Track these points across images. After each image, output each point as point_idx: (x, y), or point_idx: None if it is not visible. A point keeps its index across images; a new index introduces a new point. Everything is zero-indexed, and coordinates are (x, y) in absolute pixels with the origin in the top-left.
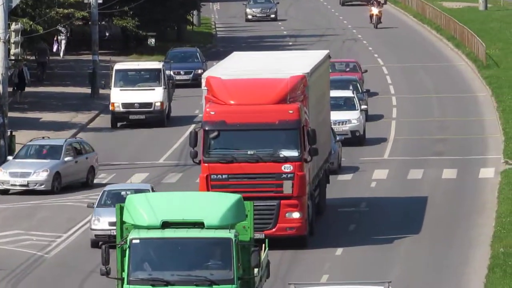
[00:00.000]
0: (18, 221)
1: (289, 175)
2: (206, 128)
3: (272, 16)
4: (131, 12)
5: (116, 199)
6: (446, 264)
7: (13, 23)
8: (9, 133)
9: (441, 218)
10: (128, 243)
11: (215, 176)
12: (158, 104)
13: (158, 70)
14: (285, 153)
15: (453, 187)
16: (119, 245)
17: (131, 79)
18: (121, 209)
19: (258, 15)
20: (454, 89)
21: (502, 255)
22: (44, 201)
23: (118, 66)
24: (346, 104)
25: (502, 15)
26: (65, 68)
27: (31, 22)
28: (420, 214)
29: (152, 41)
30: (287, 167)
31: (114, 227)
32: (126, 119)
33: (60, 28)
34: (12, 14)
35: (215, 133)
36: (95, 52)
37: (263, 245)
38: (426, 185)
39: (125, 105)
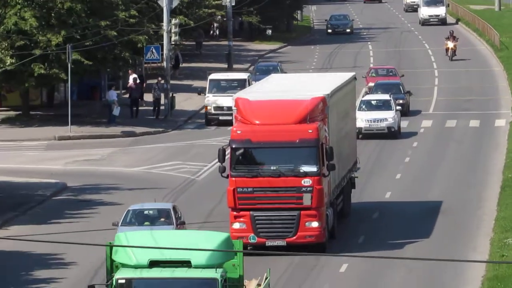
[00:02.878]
0: (178, 155)
1: (308, 189)
2: (233, 146)
3: (348, 31)
4: (255, 12)
5: (140, 218)
6: (468, 184)
7: (173, 19)
8: (171, 95)
9: (467, 154)
10: (114, 282)
11: (241, 189)
12: None
13: (244, 80)
14: (305, 168)
15: (476, 132)
16: (106, 284)
17: (222, 87)
18: (111, 248)
19: (336, 29)
20: (477, 65)
21: (511, 179)
22: (197, 141)
23: (212, 76)
24: (384, 106)
25: (511, 14)
26: (209, 50)
27: (185, 18)
28: (452, 149)
29: (269, 31)
30: (306, 181)
31: None
32: (217, 120)
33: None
34: (172, 13)
35: (241, 150)
36: (230, 39)
37: (265, 274)
38: (458, 131)
39: (216, 108)
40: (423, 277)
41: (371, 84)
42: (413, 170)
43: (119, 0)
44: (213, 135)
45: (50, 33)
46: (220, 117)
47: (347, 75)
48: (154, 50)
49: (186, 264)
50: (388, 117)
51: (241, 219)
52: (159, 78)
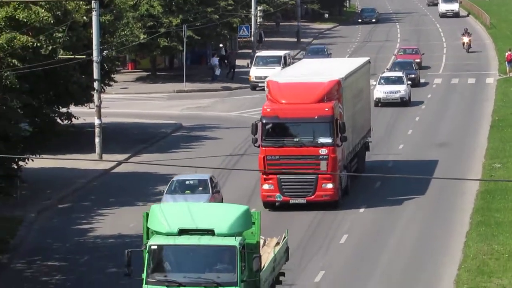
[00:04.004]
0: (261, 103)
1: (324, 157)
2: (264, 121)
3: (374, 20)
4: (316, 0)
5: (183, 187)
6: (466, 125)
7: (259, 6)
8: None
9: (465, 101)
10: (147, 248)
11: (270, 157)
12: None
13: (280, 57)
14: (322, 140)
15: (472, 87)
16: (142, 249)
17: (264, 61)
18: (147, 216)
19: (364, 20)
20: (474, 39)
21: (497, 121)
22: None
23: (258, 53)
24: (398, 80)
25: (498, 3)
26: (284, 28)
27: (267, 6)
28: (455, 99)
29: (326, 15)
30: (323, 151)
31: None
32: (257, 86)
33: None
34: (258, 1)
35: (270, 125)
36: (298, 21)
37: (284, 234)
38: (459, 86)
39: (256, 77)
40: (434, 190)
41: (399, 60)
42: (428, 114)
43: None
44: None
45: (171, 16)
46: (259, 84)
47: (362, 60)
48: (245, 29)
49: (211, 232)
50: (400, 89)
51: (270, 181)
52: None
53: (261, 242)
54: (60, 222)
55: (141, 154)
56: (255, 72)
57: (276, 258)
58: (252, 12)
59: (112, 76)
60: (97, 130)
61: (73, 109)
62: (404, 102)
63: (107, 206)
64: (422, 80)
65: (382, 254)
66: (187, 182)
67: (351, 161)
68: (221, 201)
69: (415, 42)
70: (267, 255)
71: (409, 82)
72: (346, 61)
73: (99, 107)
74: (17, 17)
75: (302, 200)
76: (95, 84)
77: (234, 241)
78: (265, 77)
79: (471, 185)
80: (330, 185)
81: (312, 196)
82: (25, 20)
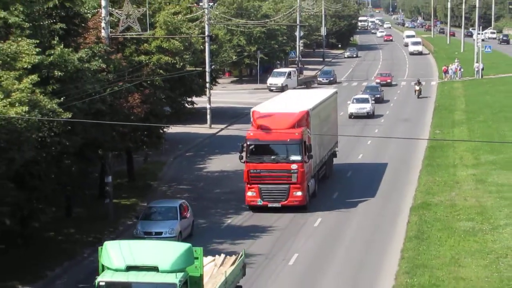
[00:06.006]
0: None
1: (295, 171)
2: (247, 143)
3: (354, 56)
4: (334, 37)
5: (155, 214)
6: (419, 107)
7: (301, 40)
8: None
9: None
10: (96, 284)
11: (253, 170)
12: (281, 85)
13: (285, 72)
14: (293, 158)
15: (424, 87)
16: (93, 285)
17: (277, 74)
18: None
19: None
20: (424, 61)
21: (438, 106)
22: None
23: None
24: (365, 100)
25: (438, 38)
26: (317, 52)
27: (306, 40)
28: (413, 95)
29: (339, 45)
30: (294, 166)
31: (149, 236)
32: (271, 90)
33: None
34: (301, 38)
35: (253, 146)
36: (323, 48)
37: (241, 253)
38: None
39: (270, 84)
40: (399, 149)
41: (377, 80)
42: (399, 102)
43: (279, 33)
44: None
45: (251, 45)
46: (271, 88)
47: (331, 91)
48: (293, 53)
49: (155, 269)
50: (367, 107)
51: (252, 190)
52: (297, 66)
53: (220, 260)
54: (187, 163)
55: (233, 124)
56: (270, 80)
57: (227, 280)
58: (297, 43)
59: (217, 80)
60: (208, 111)
61: (194, 99)
62: (369, 115)
63: (214, 154)
64: (397, 84)
65: (368, 190)
66: (158, 209)
67: (319, 170)
68: (191, 224)
69: (391, 60)
70: (221, 276)
71: (372, 101)
72: (318, 93)
73: (209, 98)
74: (162, 46)
75: (277, 204)
76: (207, 85)
77: (174, 278)
78: (274, 84)
79: (422, 144)
80: (299, 193)
81: (285, 201)
82: (167, 48)
